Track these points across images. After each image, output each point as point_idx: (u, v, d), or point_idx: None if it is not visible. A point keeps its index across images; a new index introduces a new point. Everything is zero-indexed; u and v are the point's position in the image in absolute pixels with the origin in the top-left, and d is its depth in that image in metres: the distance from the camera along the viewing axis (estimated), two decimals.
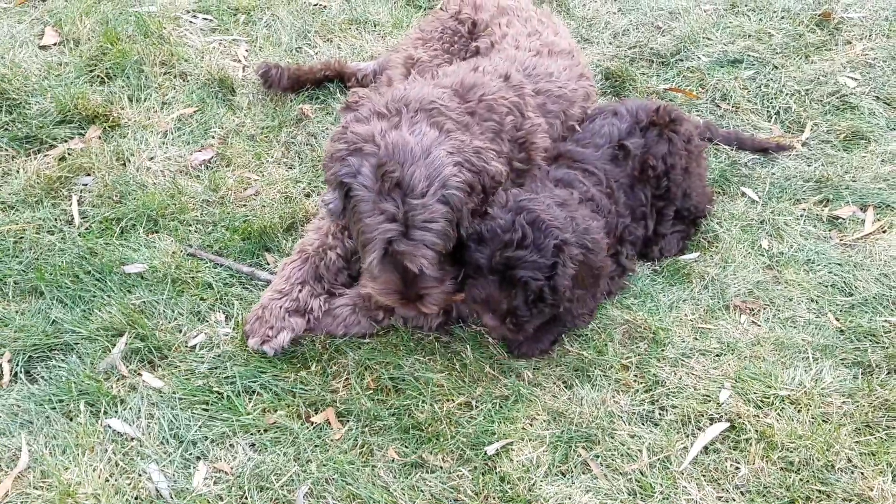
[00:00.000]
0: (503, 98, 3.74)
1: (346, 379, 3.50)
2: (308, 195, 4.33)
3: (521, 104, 3.82)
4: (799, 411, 3.38)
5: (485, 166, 3.40)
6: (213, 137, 4.67)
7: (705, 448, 3.26)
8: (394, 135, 3.34)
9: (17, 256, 3.87)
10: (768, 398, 3.42)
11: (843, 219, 4.33)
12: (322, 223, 3.87)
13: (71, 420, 3.25)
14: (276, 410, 3.35)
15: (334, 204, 3.44)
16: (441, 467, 3.19)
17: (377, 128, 3.38)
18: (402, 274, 3.39)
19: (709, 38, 5.47)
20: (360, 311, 3.69)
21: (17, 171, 4.31)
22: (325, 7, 5.77)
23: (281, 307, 3.61)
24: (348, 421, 3.34)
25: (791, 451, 3.22)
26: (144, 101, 4.82)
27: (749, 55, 5.31)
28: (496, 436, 3.29)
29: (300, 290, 3.67)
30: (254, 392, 3.42)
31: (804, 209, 4.38)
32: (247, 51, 5.35)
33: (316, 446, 3.23)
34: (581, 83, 4.29)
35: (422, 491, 3.11)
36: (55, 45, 5.13)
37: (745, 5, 5.72)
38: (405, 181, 3.24)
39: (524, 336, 3.56)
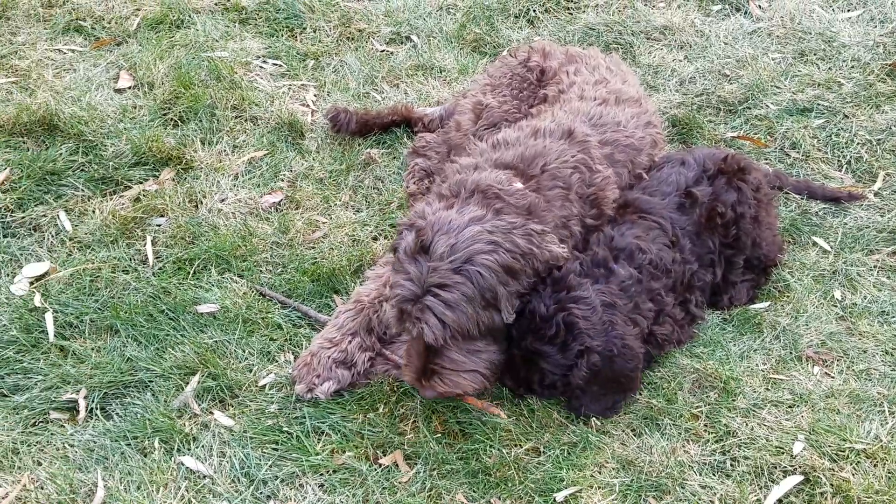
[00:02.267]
0: (567, 160, 3.75)
1: (414, 422, 3.50)
2: (375, 238, 4.37)
3: (587, 160, 3.81)
4: (875, 465, 3.30)
5: (533, 250, 3.37)
6: (283, 180, 4.75)
7: (779, 501, 3.20)
8: (442, 212, 3.41)
9: (93, 295, 3.96)
10: (843, 451, 3.34)
11: None
12: (382, 271, 3.89)
13: (145, 456, 3.30)
14: (344, 451, 3.36)
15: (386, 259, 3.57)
16: None
17: (433, 207, 3.48)
18: (423, 347, 3.37)
19: (777, 87, 5.44)
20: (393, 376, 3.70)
21: (94, 212, 4.41)
22: (392, 53, 5.86)
23: (329, 357, 3.62)
24: (416, 464, 3.34)
25: None
26: (216, 144, 4.92)
27: (819, 104, 5.26)
28: (564, 482, 3.26)
29: (350, 342, 3.68)
30: (322, 433, 3.44)
31: (877, 260, 4.31)
32: (315, 95, 5.44)
33: (384, 488, 3.23)
34: (648, 130, 4.28)
35: None
36: (130, 88, 5.27)
37: (814, 54, 5.69)
38: (431, 246, 3.28)
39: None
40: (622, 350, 3.48)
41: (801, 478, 3.26)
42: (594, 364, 3.42)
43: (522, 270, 3.35)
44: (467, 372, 3.41)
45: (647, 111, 4.36)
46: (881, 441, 3.38)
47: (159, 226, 4.37)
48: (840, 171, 4.91)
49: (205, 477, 3.24)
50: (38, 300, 3.89)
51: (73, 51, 5.56)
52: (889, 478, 3.25)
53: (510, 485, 3.25)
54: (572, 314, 3.41)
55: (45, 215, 4.37)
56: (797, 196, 4.67)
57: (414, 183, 4.68)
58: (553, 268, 3.49)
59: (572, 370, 3.43)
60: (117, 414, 3.47)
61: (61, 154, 4.64)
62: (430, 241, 3.29)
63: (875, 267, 4.27)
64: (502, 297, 3.32)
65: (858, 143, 5.01)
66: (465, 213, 3.38)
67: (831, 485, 3.22)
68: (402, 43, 5.97)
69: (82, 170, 4.62)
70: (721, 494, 3.22)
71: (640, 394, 3.62)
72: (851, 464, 3.30)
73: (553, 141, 3.82)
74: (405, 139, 5.13)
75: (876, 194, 4.71)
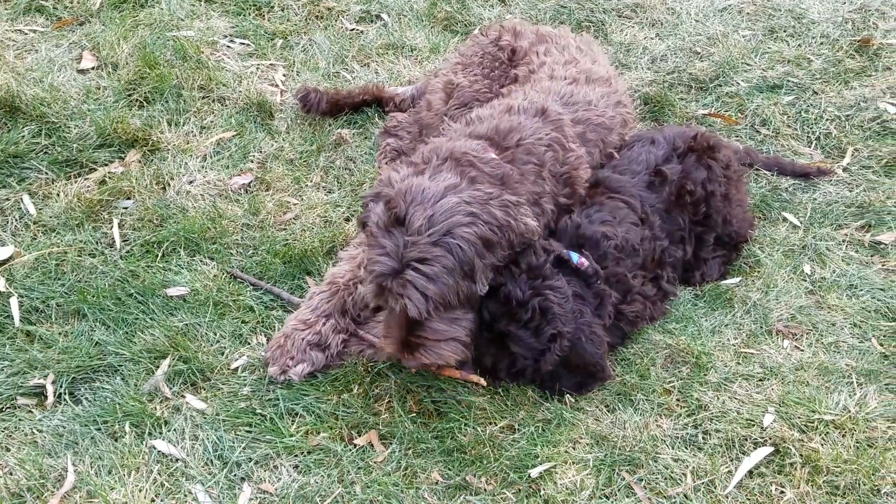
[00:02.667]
0: (541, 137, 3.73)
1: (389, 402, 3.49)
2: (347, 219, 4.34)
3: (561, 138, 3.80)
4: (844, 436, 3.34)
5: (510, 222, 3.34)
6: (252, 161, 4.70)
7: (750, 472, 3.23)
8: (412, 179, 3.35)
9: (59, 279, 3.90)
10: (813, 423, 3.38)
11: (886, 244, 4.30)
12: (355, 252, 3.87)
13: (116, 441, 3.26)
14: (319, 433, 3.35)
15: (360, 240, 3.51)
16: (485, 490, 3.17)
17: (401, 174, 3.41)
18: (404, 319, 3.35)
19: (748, 64, 5.46)
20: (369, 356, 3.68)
21: (58, 195, 4.34)
22: (362, 32, 5.81)
23: (303, 339, 3.60)
24: (391, 443, 3.33)
25: (837, 476, 3.18)
26: (183, 125, 4.86)
27: (788, 80, 5.30)
28: (539, 459, 3.27)
29: (324, 324, 3.66)
30: (296, 414, 3.42)
31: (846, 234, 4.35)
32: (284, 75, 5.39)
33: (360, 468, 3.22)
34: (619, 110, 4.28)
35: None
36: (93, 69, 5.18)
37: (784, 31, 5.72)
38: (406, 218, 3.22)
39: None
40: (590, 337, 3.50)
41: (772, 449, 3.29)
42: (564, 349, 3.43)
43: (498, 243, 3.32)
44: (448, 341, 3.40)
45: (617, 91, 4.36)
46: (849, 412, 3.42)
47: (126, 208, 4.31)
48: (809, 147, 4.95)
49: (177, 460, 3.20)
50: (2, 285, 3.82)
51: (34, 31, 5.45)
52: (857, 447, 3.29)
53: (485, 462, 3.25)
54: (548, 300, 3.41)
55: (7, 199, 4.29)
56: (767, 172, 4.70)
57: (386, 163, 4.65)
58: (527, 243, 3.46)
59: (544, 355, 3.43)
60: (86, 399, 3.42)
61: (24, 136, 4.55)
62: (404, 212, 3.23)
63: (843, 241, 4.31)
64: (478, 270, 3.30)
65: (827, 119, 5.05)
66: (439, 180, 3.32)
67: (801, 455, 3.25)
68: (372, 21, 5.93)
69: (46, 152, 4.54)
70: (693, 467, 3.25)
71: (614, 370, 3.63)
72: (820, 434, 3.34)
73: (527, 118, 3.81)
74: (376, 119, 5.11)
75: (844, 170, 4.76)
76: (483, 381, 3.49)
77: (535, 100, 3.94)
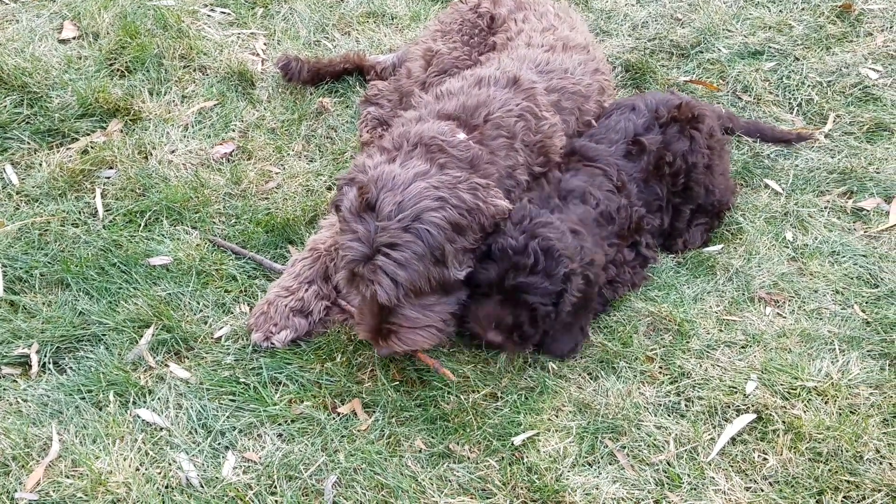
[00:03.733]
0: (511, 109, 3.71)
1: (372, 370, 3.51)
2: (329, 188, 4.33)
3: (533, 107, 3.78)
4: (826, 402, 3.37)
5: (479, 205, 3.33)
6: (234, 130, 4.68)
7: (732, 439, 3.26)
8: (385, 166, 3.34)
9: (42, 248, 3.89)
10: (795, 389, 3.41)
11: (868, 210, 4.31)
12: (336, 219, 3.85)
13: (100, 410, 3.27)
14: (302, 401, 3.36)
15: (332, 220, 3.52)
16: (468, 458, 3.19)
17: (374, 161, 3.41)
18: (377, 306, 3.34)
19: (729, 30, 5.45)
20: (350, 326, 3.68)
21: (41, 164, 4.32)
22: (342, 0, 5.77)
23: (286, 306, 3.61)
24: (374, 412, 3.35)
25: (819, 442, 3.21)
26: (165, 94, 4.83)
27: (770, 47, 5.29)
28: (522, 427, 3.29)
29: (306, 290, 3.66)
30: (280, 383, 3.43)
31: (828, 201, 4.37)
32: (265, 44, 5.36)
33: (343, 436, 3.24)
34: (596, 77, 4.27)
35: (449, 481, 3.11)
36: (74, 38, 5.14)
37: None
38: (377, 204, 3.22)
39: (527, 348, 3.56)
40: (595, 276, 3.50)
41: (754, 416, 3.32)
42: (580, 288, 3.42)
43: (469, 226, 3.31)
44: (423, 328, 3.40)
45: (594, 58, 4.34)
46: (832, 378, 3.44)
47: (108, 178, 4.30)
48: (791, 113, 4.95)
49: (162, 429, 3.21)
50: None
51: (15, 1, 5.40)
52: (839, 414, 3.32)
53: (468, 430, 3.27)
54: (546, 238, 3.38)
55: None
56: (749, 139, 4.70)
57: (367, 131, 4.63)
58: (496, 225, 3.44)
59: (563, 296, 3.40)
60: (71, 368, 3.43)
61: (5, 106, 4.53)
62: (375, 198, 3.23)
63: (825, 208, 4.33)
64: (449, 254, 3.28)
65: (809, 86, 5.05)
66: (409, 167, 3.32)
67: (783, 422, 3.28)
68: None
69: (27, 122, 4.52)
70: (676, 434, 3.27)
71: (596, 337, 3.65)
72: (803, 401, 3.36)
73: (497, 89, 3.78)
74: (358, 87, 5.09)
75: (826, 136, 4.76)
76: (453, 377, 3.44)
77: (508, 69, 3.92)
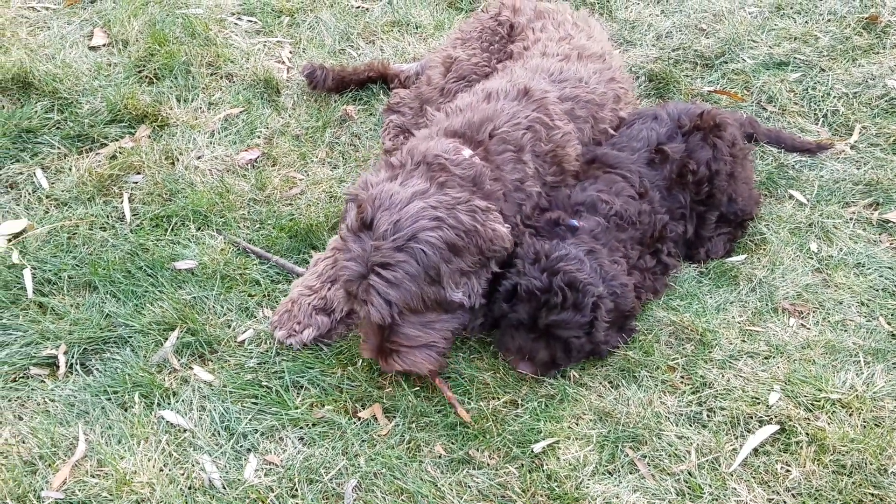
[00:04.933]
0: (519, 121, 3.70)
1: (392, 376, 3.51)
2: None
3: (543, 117, 3.77)
4: (850, 414, 3.34)
5: (477, 227, 3.31)
6: (259, 137, 4.72)
7: (755, 450, 3.24)
8: (386, 185, 3.34)
9: (71, 251, 3.94)
10: (819, 401, 3.38)
11: (893, 222, 4.29)
12: None
13: (126, 411, 3.31)
14: (323, 405, 3.38)
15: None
16: (488, 464, 3.19)
17: (378, 178, 3.41)
18: (378, 325, 3.33)
19: (754, 41, 5.44)
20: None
21: (70, 169, 4.38)
22: (367, 9, 5.81)
23: (309, 304, 3.64)
24: (395, 417, 3.36)
25: (843, 455, 3.18)
26: (192, 101, 4.88)
27: (795, 57, 5.27)
28: (542, 434, 3.29)
29: (329, 289, 3.69)
30: (302, 387, 3.46)
31: (853, 212, 4.34)
32: (291, 52, 5.41)
33: (363, 441, 3.26)
34: (611, 86, 4.26)
35: (469, 487, 3.11)
36: (104, 45, 5.21)
37: (791, 8, 5.69)
38: (373, 223, 3.22)
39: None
40: (622, 289, 3.52)
41: (777, 427, 3.30)
42: (609, 313, 3.45)
43: (466, 248, 3.29)
44: (422, 347, 3.38)
45: (610, 67, 4.34)
46: (856, 390, 3.42)
47: (136, 183, 4.35)
48: (817, 124, 4.93)
49: (185, 430, 3.24)
50: (15, 257, 3.87)
51: (46, 8, 5.49)
52: (864, 426, 3.29)
53: (488, 437, 3.28)
54: (566, 272, 3.41)
55: (21, 173, 4.34)
56: (773, 149, 4.68)
57: (389, 139, 4.67)
58: (497, 251, 3.43)
59: (594, 324, 3.43)
60: (97, 369, 3.47)
61: (36, 112, 4.60)
62: (370, 216, 3.23)
63: (851, 219, 4.31)
64: (445, 275, 3.28)
65: (835, 97, 5.03)
66: (409, 186, 3.32)
67: (807, 434, 3.26)
68: None
69: (58, 127, 4.58)
70: (697, 444, 3.26)
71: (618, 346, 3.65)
72: (827, 413, 3.34)
73: (506, 102, 3.78)
74: (381, 95, 5.12)
75: (852, 147, 4.74)
76: (468, 417, 3.38)
77: (519, 80, 3.92)
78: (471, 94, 4.00)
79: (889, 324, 3.77)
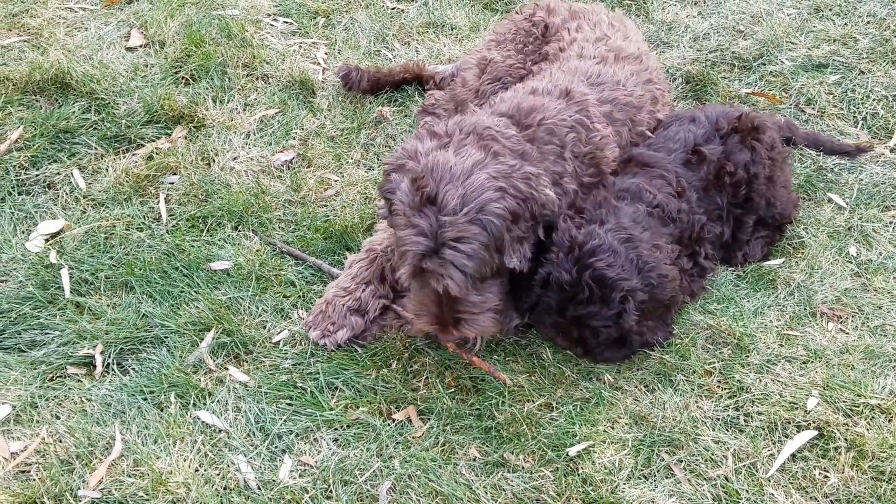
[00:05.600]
0: (565, 119, 3.70)
1: (427, 378, 3.52)
2: None
3: (584, 120, 3.77)
4: (890, 420, 3.30)
5: (533, 193, 3.33)
6: (295, 138, 4.74)
7: (793, 455, 3.21)
8: (437, 154, 3.33)
9: (107, 252, 3.97)
10: (858, 407, 3.34)
11: None
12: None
13: (162, 411, 3.32)
14: (358, 407, 3.38)
15: (382, 213, 3.53)
16: (523, 467, 3.18)
17: (425, 146, 3.40)
18: (438, 295, 3.36)
19: (792, 43, 5.38)
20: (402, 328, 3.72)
21: (107, 170, 4.41)
22: (402, 11, 5.82)
23: (343, 305, 3.66)
24: (429, 419, 3.36)
25: (882, 461, 3.15)
26: (228, 102, 4.91)
27: (834, 60, 5.22)
28: (577, 438, 3.27)
29: (363, 290, 3.70)
30: (336, 388, 3.46)
31: (893, 216, 4.29)
32: (326, 53, 5.42)
33: (398, 443, 3.26)
34: (648, 87, 4.24)
35: (504, 490, 3.10)
36: (141, 46, 5.25)
37: (830, 9, 5.63)
38: (438, 198, 3.22)
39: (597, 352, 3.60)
40: (660, 280, 3.50)
41: (815, 433, 3.26)
42: (641, 303, 3.43)
43: (523, 215, 3.33)
44: (486, 312, 3.42)
45: (647, 68, 4.32)
46: None
47: (172, 183, 4.38)
48: (856, 127, 4.88)
49: (221, 431, 3.26)
50: (53, 257, 3.90)
51: (84, 9, 5.53)
52: None
53: (523, 440, 3.27)
54: (596, 269, 3.40)
55: (58, 173, 4.37)
56: (812, 152, 4.63)
57: None
58: (547, 215, 3.46)
59: (622, 316, 3.42)
60: (133, 369, 3.49)
61: (74, 112, 4.63)
62: (434, 191, 3.22)
63: (891, 223, 4.26)
64: (507, 243, 3.31)
65: (874, 100, 4.97)
66: (464, 155, 3.31)
67: (845, 439, 3.22)
68: (412, 0, 5.91)
69: (95, 128, 4.61)
70: (734, 449, 3.23)
71: (653, 350, 3.62)
72: (866, 419, 3.30)
73: (551, 99, 3.79)
74: (416, 97, 5.12)
75: (892, 150, 4.68)
76: (509, 381, 3.45)
77: (560, 82, 3.92)
78: (513, 90, 4.01)
79: None
